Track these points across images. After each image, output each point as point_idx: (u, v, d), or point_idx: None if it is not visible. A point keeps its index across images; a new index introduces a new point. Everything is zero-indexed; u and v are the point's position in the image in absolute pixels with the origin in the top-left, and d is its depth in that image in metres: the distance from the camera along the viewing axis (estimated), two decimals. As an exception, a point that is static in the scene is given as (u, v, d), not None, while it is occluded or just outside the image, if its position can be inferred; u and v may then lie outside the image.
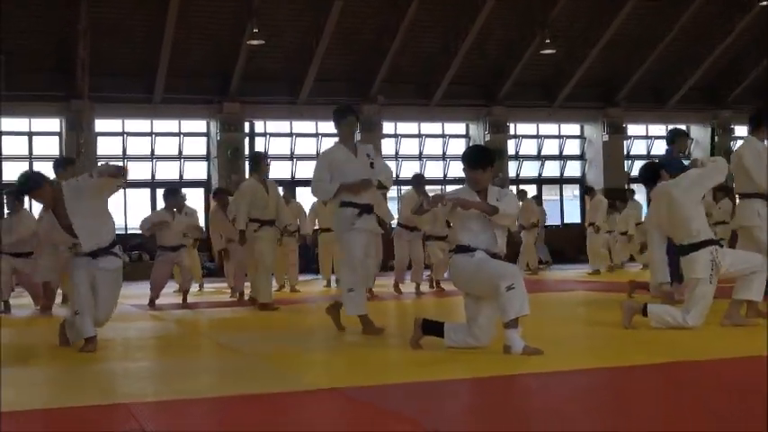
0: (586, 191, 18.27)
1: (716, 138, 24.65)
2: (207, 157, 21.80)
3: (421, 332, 5.85)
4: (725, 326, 6.55)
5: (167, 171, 20.98)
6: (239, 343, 6.72)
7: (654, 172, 7.16)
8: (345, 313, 7.04)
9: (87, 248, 6.20)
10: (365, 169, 7.00)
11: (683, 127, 25.49)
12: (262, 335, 7.34)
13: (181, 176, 21.02)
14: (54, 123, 20.38)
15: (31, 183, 6.37)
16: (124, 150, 20.60)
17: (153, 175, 20.70)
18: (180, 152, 21.33)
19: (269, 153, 21.93)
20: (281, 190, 10.81)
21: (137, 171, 19.80)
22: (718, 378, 4.55)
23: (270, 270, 10.08)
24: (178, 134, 21.35)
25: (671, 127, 9.58)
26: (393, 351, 5.85)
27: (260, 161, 10.28)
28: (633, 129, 25.19)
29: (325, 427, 3.74)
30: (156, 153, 21.03)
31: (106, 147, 20.43)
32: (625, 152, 24.90)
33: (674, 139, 9.42)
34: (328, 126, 22.46)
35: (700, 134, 25.42)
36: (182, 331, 8.17)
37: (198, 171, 21.51)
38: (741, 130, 24.69)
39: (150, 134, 20.91)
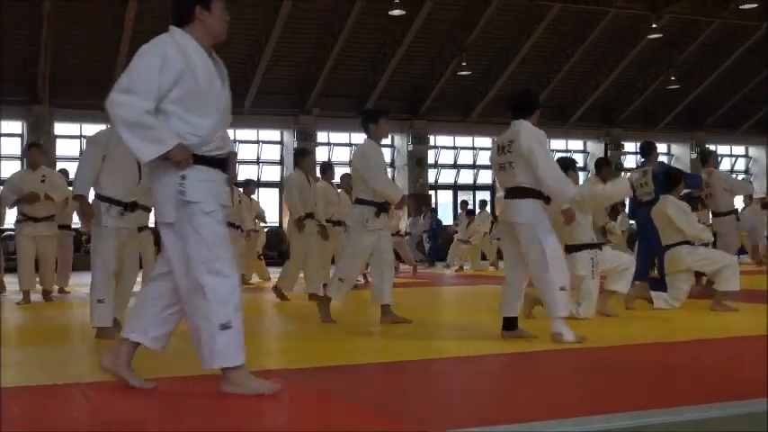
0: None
1: (608, 152, 25.17)
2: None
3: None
4: (598, 314, 6.74)
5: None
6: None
7: (564, 168, 7.12)
8: (327, 292, 6.55)
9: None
10: None
11: (581, 142, 26.21)
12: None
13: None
14: (17, 126, 20.18)
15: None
16: (81, 151, 20.23)
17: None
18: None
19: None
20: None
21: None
22: (605, 361, 4.64)
23: (320, 261, 9.06)
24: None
25: (644, 141, 9.50)
26: (341, 338, 5.76)
27: (303, 156, 9.24)
28: (537, 142, 25.53)
29: (249, 405, 3.69)
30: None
31: (64, 148, 20.33)
32: (530, 163, 25.25)
33: (651, 152, 9.14)
34: (268, 134, 22.58)
35: (594, 148, 25.96)
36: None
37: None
38: (629, 146, 25.32)
39: (106, 138, 20.59)
